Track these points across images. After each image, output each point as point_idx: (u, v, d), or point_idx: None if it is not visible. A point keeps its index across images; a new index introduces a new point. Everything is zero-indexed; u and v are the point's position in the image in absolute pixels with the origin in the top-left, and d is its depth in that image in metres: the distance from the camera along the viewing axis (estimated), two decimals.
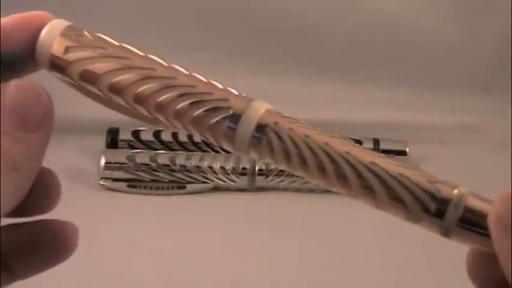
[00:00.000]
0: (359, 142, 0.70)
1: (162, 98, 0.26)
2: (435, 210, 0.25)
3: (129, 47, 0.27)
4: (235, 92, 0.26)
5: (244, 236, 0.60)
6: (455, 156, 0.73)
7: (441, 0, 0.77)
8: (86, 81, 0.27)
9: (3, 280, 0.28)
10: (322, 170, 0.25)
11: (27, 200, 0.26)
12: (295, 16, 0.76)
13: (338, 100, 0.76)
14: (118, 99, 0.27)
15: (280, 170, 0.66)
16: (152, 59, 0.27)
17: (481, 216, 0.24)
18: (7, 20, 0.26)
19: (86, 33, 0.27)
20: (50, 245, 0.28)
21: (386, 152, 0.70)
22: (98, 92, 0.27)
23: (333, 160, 0.25)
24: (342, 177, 0.25)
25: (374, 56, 0.78)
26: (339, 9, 0.76)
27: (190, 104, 0.26)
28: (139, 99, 0.26)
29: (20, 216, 0.28)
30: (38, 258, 0.28)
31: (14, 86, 0.25)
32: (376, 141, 0.70)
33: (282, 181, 0.66)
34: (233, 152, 0.26)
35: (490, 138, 0.75)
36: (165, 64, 0.27)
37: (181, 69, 0.27)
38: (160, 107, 0.26)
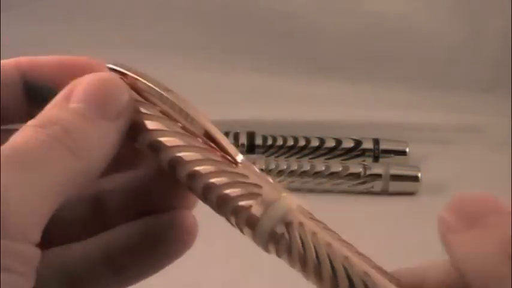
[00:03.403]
0: (359, 142, 0.70)
1: (197, 168, 0.25)
2: None
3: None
4: (270, 180, 0.25)
5: (244, 236, 0.60)
6: (456, 156, 0.73)
7: (442, 0, 0.77)
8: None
9: (111, 286, 0.26)
10: (335, 286, 0.23)
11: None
12: (294, 16, 0.76)
13: (338, 100, 0.76)
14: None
15: (280, 170, 0.66)
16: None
17: None
18: (54, 59, 0.25)
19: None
20: (168, 239, 0.27)
21: (387, 152, 0.70)
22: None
23: (350, 281, 0.23)
24: None
25: (374, 56, 0.78)
26: (339, 10, 0.76)
27: (223, 183, 0.24)
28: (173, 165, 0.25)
29: (117, 171, 0.26)
30: (155, 256, 0.27)
31: (96, 75, 0.24)
32: (376, 141, 0.70)
33: (282, 181, 0.66)
34: (252, 240, 0.25)
35: (490, 138, 0.75)
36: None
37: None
38: (193, 177, 0.25)
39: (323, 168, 0.66)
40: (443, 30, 0.77)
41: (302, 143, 0.70)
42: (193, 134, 0.25)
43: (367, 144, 0.70)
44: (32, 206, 0.20)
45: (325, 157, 0.69)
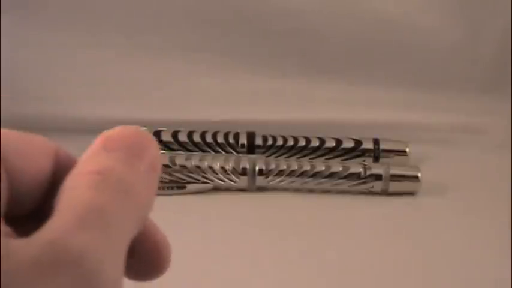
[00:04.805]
0: (359, 142, 0.70)
1: None
2: None
3: None
4: None
5: (244, 236, 0.60)
6: (455, 156, 0.73)
7: (442, 0, 0.77)
8: None
9: None
10: None
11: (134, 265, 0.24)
12: (294, 16, 0.76)
13: (338, 100, 0.76)
14: None
15: (280, 170, 0.66)
16: None
17: None
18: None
19: None
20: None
21: (387, 152, 0.70)
22: None
23: None
24: None
25: (374, 55, 0.78)
26: (339, 9, 0.76)
27: None
28: None
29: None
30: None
31: (124, 127, 0.23)
32: (376, 141, 0.70)
33: (282, 181, 0.66)
34: None
35: (490, 139, 0.75)
36: None
37: None
38: None
39: (323, 168, 0.66)
40: (443, 30, 0.77)
41: (302, 143, 0.70)
42: None
43: (367, 144, 0.70)
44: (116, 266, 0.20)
45: (325, 157, 0.69)
